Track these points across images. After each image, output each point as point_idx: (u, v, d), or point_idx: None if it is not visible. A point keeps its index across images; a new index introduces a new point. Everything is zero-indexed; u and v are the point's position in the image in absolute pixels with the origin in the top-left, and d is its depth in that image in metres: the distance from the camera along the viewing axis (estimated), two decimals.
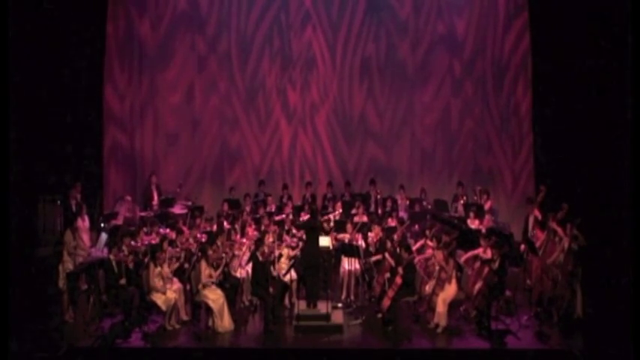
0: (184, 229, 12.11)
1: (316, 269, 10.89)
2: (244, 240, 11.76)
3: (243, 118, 15.46)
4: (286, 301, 11.39)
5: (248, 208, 13.57)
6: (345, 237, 11.98)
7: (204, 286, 10.44)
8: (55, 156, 12.64)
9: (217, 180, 15.41)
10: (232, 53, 15.34)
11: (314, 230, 10.98)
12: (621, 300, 10.12)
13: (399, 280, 10.42)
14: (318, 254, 10.96)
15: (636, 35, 10.32)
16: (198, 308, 10.64)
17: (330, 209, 13.75)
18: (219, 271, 10.63)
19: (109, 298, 10.59)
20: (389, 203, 13.86)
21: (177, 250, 11.18)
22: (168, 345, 10.01)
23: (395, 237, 11.54)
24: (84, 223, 11.97)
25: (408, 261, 10.52)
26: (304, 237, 11.22)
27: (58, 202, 12.07)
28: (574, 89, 12.92)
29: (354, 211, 13.16)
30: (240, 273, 11.33)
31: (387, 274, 10.81)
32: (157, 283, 10.37)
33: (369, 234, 12.01)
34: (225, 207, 13.60)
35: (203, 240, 11.57)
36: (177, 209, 13.72)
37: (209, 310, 10.41)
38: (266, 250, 10.94)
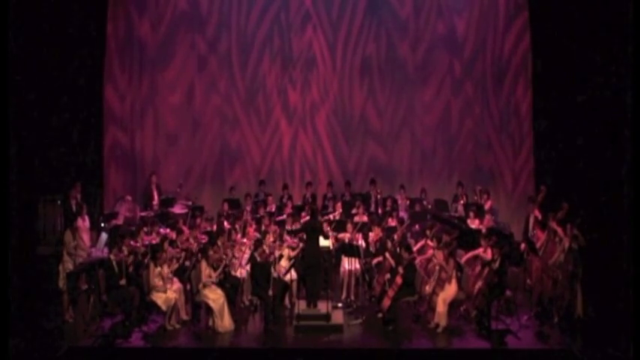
0: (185, 229, 12.11)
1: (316, 269, 10.89)
2: (245, 240, 11.76)
3: (244, 117, 15.46)
4: (286, 300, 11.39)
5: (248, 208, 13.57)
6: (346, 237, 11.99)
7: (205, 286, 10.45)
8: (55, 156, 12.64)
9: (217, 180, 15.40)
10: (232, 53, 15.33)
11: (314, 230, 10.98)
12: (621, 300, 10.14)
13: (399, 279, 10.42)
14: (318, 254, 10.96)
15: (636, 35, 10.32)
16: (199, 308, 10.64)
17: (330, 209, 13.75)
18: (219, 270, 10.63)
19: (109, 298, 10.59)
20: (389, 203, 13.86)
21: (178, 250, 11.18)
22: (168, 345, 10.00)
23: (395, 237, 11.54)
24: (84, 222, 11.95)
25: (409, 261, 10.52)
26: (304, 237, 11.21)
27: (58, 202, 12.07)
28: (574, 89, 12.92)
29: (354, 211, 13.16)
30: (240, 273, 11.33)
31: (388, 275, 10.81)
32: (157, 282, 10.37)
33: (370, 234, 12.01)
34: (226, 207, 13.60)
35: (203, 240, 11.57)
36: (178, 209, 13.72)
37: (209, 309, 10.41)
38: (266, 250, 10.95)
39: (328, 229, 11.92)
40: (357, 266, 11.61)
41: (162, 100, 15.18)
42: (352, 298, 11.66)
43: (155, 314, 10.65)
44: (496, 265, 10.30)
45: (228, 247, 11.34)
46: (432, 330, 10.37)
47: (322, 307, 10.65)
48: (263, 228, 12.26)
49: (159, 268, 10.43)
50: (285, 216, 13.06)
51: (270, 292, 10.60)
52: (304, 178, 15.34)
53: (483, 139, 15.27)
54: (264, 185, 14.74)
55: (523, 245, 11.49)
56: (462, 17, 15.18)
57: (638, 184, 10.06)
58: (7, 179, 9.80)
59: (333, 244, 11.82)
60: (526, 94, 14.74)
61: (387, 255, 11.07)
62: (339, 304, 11.33)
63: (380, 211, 13.87)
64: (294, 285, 11.33)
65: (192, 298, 10.72)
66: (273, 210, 13.66)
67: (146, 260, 10.70)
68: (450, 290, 10.49)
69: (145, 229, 11.96)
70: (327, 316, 10.52)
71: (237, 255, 11.37)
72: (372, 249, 11.82)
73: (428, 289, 10.85)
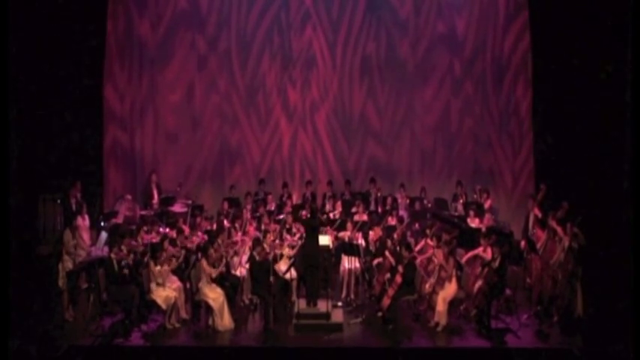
0: (184, 227, 12.12)
1: (316, 268, 10.89)
2: (245, 239, 11.76)
3: (244, 116, 15.46)
4: (287, 299, 11.39)
5: (248, 207, 13.58)
6: (346, 236, 11.99)
7: (205, 284, 10.45)
8: (55, 155, 12.62)
9: (217, 179, 15.40)
10: (232, 52, 15.33)
11: (313, 229, 10.98)
12: (621, 300, 10.13)
13: (399, 278, 10.43)
14: (318, 253, 10.96)
15: (636, 35, 10.32)
16: (199, 307, 10.65)
17: (330, 208, 13.76)
18: (219, 269, 10.63)
19: (109, 297, 10.59)
20: (389, 202, 13.86)
21: (178, 248, 11.19)
22: (168, 344, 10.02)
23: (395, 236, 11.55)
24: (84, 221, 11.95)
25: (409, 260, 10.53)
26: (304, 235, 11.21)
27: (58, 201, 12.05)
28: (574, 89, 12.92)
29: (354, 210, 13.17)
30: (240, 271, 11.34)
31: (387, 274, 10.81)
32: (158, 281, 10.38)
33: (370, 233, 12.02)
34: (225, 205, 13.60)
35: (203, 239, 11.57)
36: (178, 208, 13.73)
37: (209, 308, 10.42)
38: (267, 248, 10.95)
39: (327, 228, 11.94)
40: (357, 265, 11.61)
41: (162, 99, 15.18)
42: (352, 296, 11.67)
43: (155, 313, 10.66)
44: (496, 264, 10.31)
45: (229, 246, 11.34)
46: (432, 329, 10.38)
47: (322, 305, 10.65)
48: (263, 227, 12.27)
49: (159, 267, 10.44)
50: (284, 215, 13.07)
51: (270, 291, 10.61)
52: (304, 177, 15.35)
53: (483, 138, 15.27)
54: (264, 184, 14.75)
55: (523, 244, 11.50)
56: (462, 17, 15.18)
57: (638, 184, 10.06)
58: (7, 178, 9.78)
59: (333, 243, 11.81)
60: (526, 94, 14.74)
61: (387, 254, 11.07)
62: (339, 303, 11.34)
63: (380, 210, 13.87)
64: (294, 284, 11.33)
65: (192, 297, 10.73)
66: (273, 209, 13.66)
67: (146, 259, 10.70)
68: (450, 289, 10.50)
69: (145, 228, 11.98)
70: (327, 315, 10.53)
71: (237, 253, 11.37)
72: (371, 248, 11.82)
73: (428, 287, 10.87)
